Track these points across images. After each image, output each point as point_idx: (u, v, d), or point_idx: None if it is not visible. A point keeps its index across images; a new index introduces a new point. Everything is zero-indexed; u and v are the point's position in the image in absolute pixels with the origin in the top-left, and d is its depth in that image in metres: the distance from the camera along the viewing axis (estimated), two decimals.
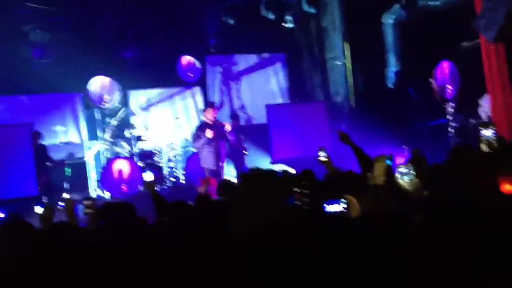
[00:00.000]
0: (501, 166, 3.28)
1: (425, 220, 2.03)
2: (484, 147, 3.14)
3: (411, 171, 3.24)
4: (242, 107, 12.39)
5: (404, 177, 3.23)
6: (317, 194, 4.28)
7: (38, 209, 4.84)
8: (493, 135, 3.13)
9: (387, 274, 1.72)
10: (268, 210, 1.22)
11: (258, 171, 1.26)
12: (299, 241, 1.78)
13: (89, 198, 4.88)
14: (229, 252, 1.19)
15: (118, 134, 10.24)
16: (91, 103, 10.46)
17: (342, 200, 3.19)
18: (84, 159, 9.50)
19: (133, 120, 10.87)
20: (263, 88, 12.71)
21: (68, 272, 2.31)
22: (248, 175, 1.28)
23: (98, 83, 10.53)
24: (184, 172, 10.23)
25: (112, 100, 10.49)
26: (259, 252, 1.23)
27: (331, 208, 3.10)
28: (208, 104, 9.84)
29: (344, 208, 3.14)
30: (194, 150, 10.26)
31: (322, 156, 5.33)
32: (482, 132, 3.14)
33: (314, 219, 1.89)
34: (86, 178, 9.26)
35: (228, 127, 8.73)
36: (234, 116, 10.76)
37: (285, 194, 1.28)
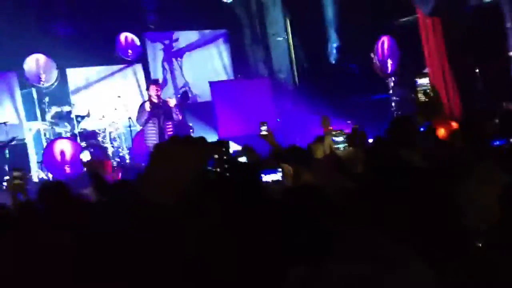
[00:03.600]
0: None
1: (360, 189, 2.08)
2: (421, 97, 3.25)
3: (344, 139, 3.31)
4: (186, 84, 12.25)
5: (339, 145, 3.29)
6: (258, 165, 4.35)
7: None
8: (428, 84, 3.24)
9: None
10: (182, 176, 1.21)
11: (173, 139, 1.24)
12: (213, 208, 1.79)
13: (18, 169, 4.71)
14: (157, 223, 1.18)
15: (59, 114, 9.94)
16: (27, 82, 10.12)
17: (279, 169, 3.24)
18: (24, 140, 9.14)
19: (73, 99, 10.55)
20: (206, 65, 12.58)
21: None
22: (160, 144, 1.26)
23: (33, 61, 10.20)
24: (129, 152, 10.06)
25: (49, 78, 10.19)
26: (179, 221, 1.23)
27: (268, 177, 3.15)
28: (151, 81, 9.65)
29: (281, 177, 3.19)
30: (138, 129, 10.11)
31: (264, 130, 5.33)
32: (418, 81, 3.25)
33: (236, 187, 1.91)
34: (28, 159, 8.91)
35: (172, 102, 8.62)
36: (184, 95, 10.61)
37: (202, 160, 1.27)
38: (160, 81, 11.89)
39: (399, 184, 1.86)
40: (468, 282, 1.71)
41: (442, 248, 1.70)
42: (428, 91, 3.19)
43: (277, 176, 3.26)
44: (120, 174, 6.54)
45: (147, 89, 8.84)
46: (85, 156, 5.21)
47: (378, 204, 1.78)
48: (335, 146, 3.34)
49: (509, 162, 2.78)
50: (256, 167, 4.39)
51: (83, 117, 9.66)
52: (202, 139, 1.27)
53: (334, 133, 3.45)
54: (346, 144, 3.28)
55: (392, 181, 1.94)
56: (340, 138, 3.29)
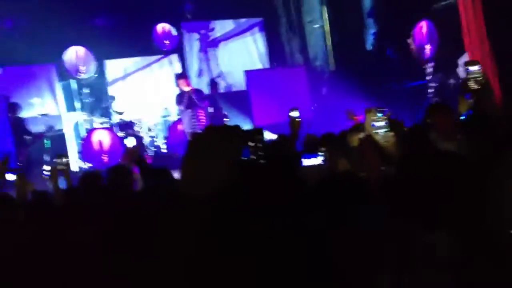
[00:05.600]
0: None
1: (397, 175, 2.02)
2: (472, 84, 3.10)
3: (385, 124, 3.20)
4: (221, 74, 12.27)
5: (379, 130, 3.18)
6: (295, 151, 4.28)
7: (10, 176, 4.64)
8: (479, 71, 3.09)
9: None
10: (219, 166, 1.18)
11: (209, 129, 1.22)
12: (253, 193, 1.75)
13: (62, 154, 4.76)
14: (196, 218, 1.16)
15: (97, 104, 10.13)
16: (66, 74, 10.34)
17: (320, 153, 3.16)
18: (63, 130, 9.36)
19: (110, 90, 10.72)
20: (241, 54, 12.58)
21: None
22: (196, 134, 1.24)
23: (73, 54, 10.44)
24: (166, 141, 10.16)
25: (88, 70, 10.40)
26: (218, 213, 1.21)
27: (309, 161, 3.08)
28: (178, 76, 9.54)
29: (322, 161, 3.12)
30: (173, 119, 10.19)
31: (294, 115, 5.13)
32: (469, 69, 3.09)
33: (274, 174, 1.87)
34: (66, 150, 9.12)
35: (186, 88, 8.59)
36: (212, 84, 10.63)
37: (237, 149, 1.24)
38: (196, 70, 11.97)
39: (432, 173, 1.81)
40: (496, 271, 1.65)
41: (474, 237, 1.65)
42: (480, 78, 3.04)
43: (318, 160, 3.16)
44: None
45: (177, 82, 8.83)
46: (130, 142, 5.18)
47: (415, 192, 1.74)
48: (375, 131, 3.23)
49: None
50: (295, 153, 4.32)
51: (119, 113, 9.83)
52: (237, 127, 1.25)
53: (374, 118, 3.34)
54: (388, 129, 3.16)
55: (426, 169, 1.88)
56: (381, 123, 3.18)
